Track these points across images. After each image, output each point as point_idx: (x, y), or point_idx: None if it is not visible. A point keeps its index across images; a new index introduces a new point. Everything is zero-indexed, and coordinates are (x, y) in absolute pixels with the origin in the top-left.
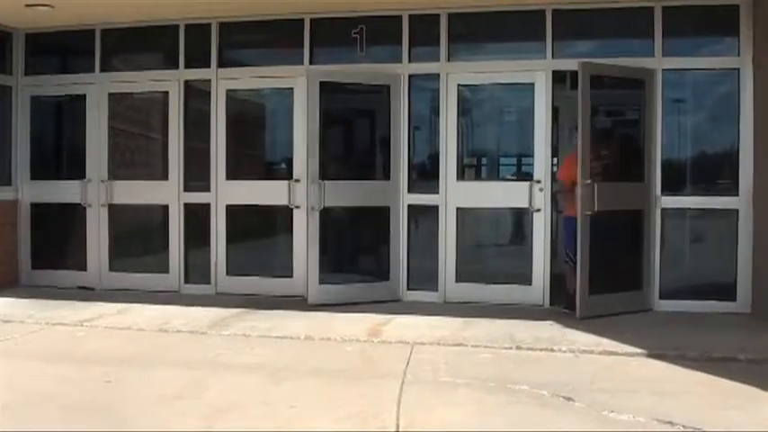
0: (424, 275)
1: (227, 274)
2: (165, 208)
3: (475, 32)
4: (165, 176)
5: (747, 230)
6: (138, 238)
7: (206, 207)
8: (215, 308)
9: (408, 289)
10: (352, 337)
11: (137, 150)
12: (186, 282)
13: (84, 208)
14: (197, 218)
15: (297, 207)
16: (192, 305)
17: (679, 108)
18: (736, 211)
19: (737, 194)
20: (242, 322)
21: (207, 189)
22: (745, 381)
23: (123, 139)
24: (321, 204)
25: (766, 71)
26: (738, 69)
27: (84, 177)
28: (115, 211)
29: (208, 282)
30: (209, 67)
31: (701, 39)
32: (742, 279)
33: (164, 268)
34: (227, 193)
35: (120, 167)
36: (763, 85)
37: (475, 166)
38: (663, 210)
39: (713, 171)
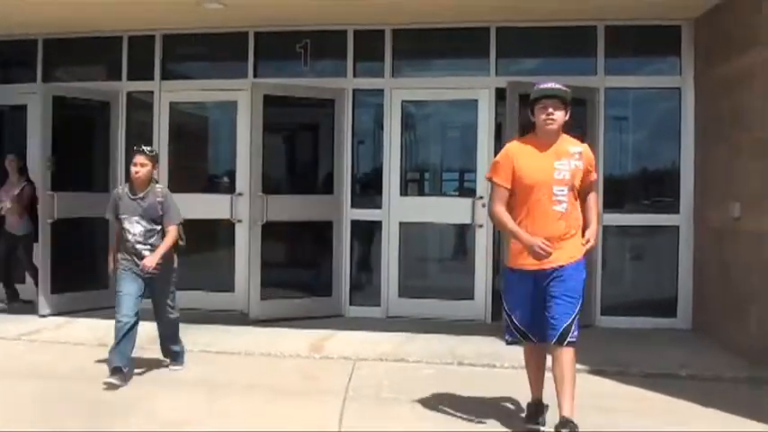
0: (366, 290)
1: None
2: (106, 221)
3: (420, 49)
4: (105, 189)
5: (688, 247)
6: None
7: None
8: (155, 322)
9: (351, 304)
10: (294, 352)
11: (80, 162)
12: None
13: None
14: None
15: (239, 221)
16: None
17: (621, 126)
18: (677, 227)
19: (678, 212)
20: (182, 337)
21: None
22: (685, 397)
23: (65, 149)
24: (263, 218)
25: (707, 91)
26: (680, 88)
27: None
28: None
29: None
30: (152, 79)
31: (643, 58)
32: (682, 295)
33: (104, 285)
34: None
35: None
36: (703, 104)
37: (418, 181)
38: (603, 227)
39: (654, 188)
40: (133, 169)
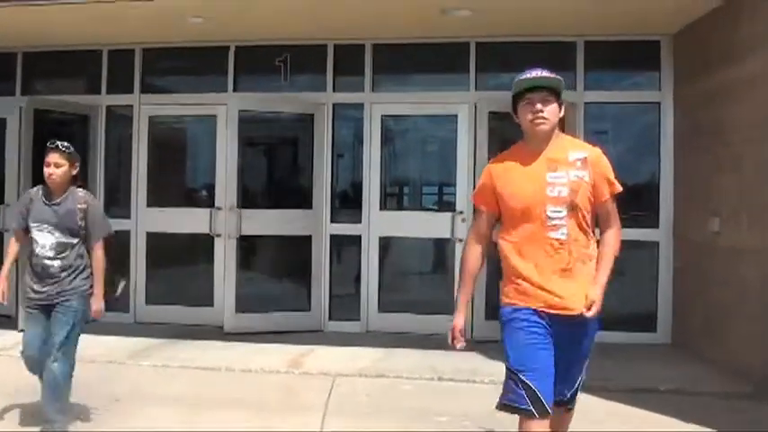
0: (346, 305)
1: (147, 302)
2: None
3: (400, 63)
4: None
5: (668, 262)
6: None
7: (126, 234)
8: (134, 337)
9: (330, 319)
10: (273, 368)
11: None
12: (107, 310)
13: None
14: (118, 244)
15: (218, 235)
16: (109, 334)
17: (601, 141)
18: (657, 243)
19: (658, 226)
20: (162, 352)
21: (127, 216)
22: (665, 412)
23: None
24: (239, 232)
25: (686, 105)
26: (659, 103)
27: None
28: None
29: (126, 311)
30: (131, 92)
31: (623, 73)
32: (662, 310)
33: None
34: (148, 219)
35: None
36: (683, 118)
37: (398, 195)
38: None
39: (634, 203)
40: (46, 170)
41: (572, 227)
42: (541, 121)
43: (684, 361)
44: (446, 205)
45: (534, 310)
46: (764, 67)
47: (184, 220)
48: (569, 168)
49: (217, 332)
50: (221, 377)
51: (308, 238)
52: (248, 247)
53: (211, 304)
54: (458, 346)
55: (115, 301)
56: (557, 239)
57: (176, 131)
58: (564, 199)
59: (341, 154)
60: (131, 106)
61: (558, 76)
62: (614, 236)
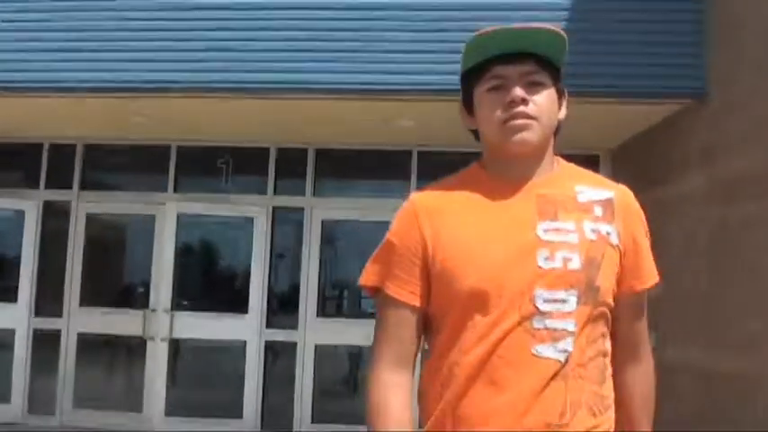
0: (278, 414)
1: (74, 406)
2: (12, 332)
3: (342, 169)
4: (13, 299)
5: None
6: None
7: (56, 334)
8: None
9: (262, 427)
10: None
11: None
12: (28, 412)
13: None
14: (47, 346)
15: (150, 338)
16: None
17: None
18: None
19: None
20: None
21: (59, 315)
22: None
23: None
24: (170, 335)
25: None
26: None
27: None
28: None
29: (52, 413)
30: (70, 188)
31: None
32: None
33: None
34: (80, 319)
35: None
36: None
37: (337, 301)
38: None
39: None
40: None
41: (585, 337)
42: (524, 121)
43: None
44: None
45: None
46: (699, 186)
47: (117, 321)
48: (582, 216)
49: None
50: None
51: (241, 344)
52: (181, 350)
53: (140, 409)
54: None
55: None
56: (551, 361)
57: (114, 230)
58: (574, 276)
59: (280, 256)
60: (69, 202)
61: (560, 31)
62: (648, 375)
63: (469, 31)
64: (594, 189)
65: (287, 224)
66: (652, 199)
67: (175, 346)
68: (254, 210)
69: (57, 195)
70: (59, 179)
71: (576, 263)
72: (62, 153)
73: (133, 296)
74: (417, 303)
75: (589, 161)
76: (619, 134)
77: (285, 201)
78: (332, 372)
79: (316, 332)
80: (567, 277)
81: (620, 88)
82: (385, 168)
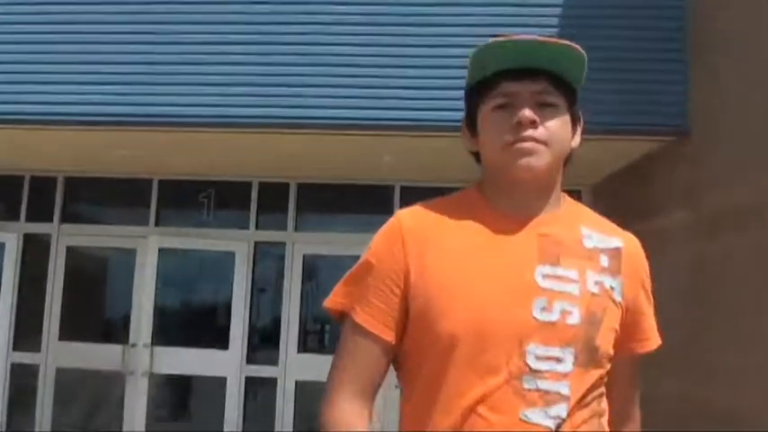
0: None
1: None
2: None
3: (324, 204)
4: None
5: None
6: None
7: (34, 368)
8: None
9: None
10: None
11: None
12: None
13: None
14: (25, 381)
15: (130, 373)
16: None
17: None
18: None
19: None
20: None
21: (37, 349)
22: None
23: None
24: (150, 370)
25: None
26: None
27: None
28: None
29: None
30: (51, 221)
31: None
32: None
33: None
34: (59, 354)
35: None
36: None
37: (318, 336)
38: None
39: None
40: None
41: (580, 402)
42: (531, 145)
43: None
44: None
45: None
46: (680, 221)
47: (97, 355)
48: (586, 265)
49: None
50: None
51: (222, 380)
52: (160, 385)
53: None
54: None
55: None
56: (541, 428)
57: (94, 263)
58: (572, 332)
59: (261, 291)
60: (50, 235)
61: (579, 47)
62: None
63: (453, 68)
64: (602, 235)
65: (268, 259)
66: (634, 234)
67: (156, 381)
68: (235, 244)
69: (37, 228)
70: (40, 212)
71: (575, 317)
72: (43, 185)
73: (113, 330)
74: (390, 339)
75: (571, 197)
76: (600, 169)
77: (267, 235)
78: (313, 408)
79: (296, 368)
80: (564, 333)
81: (602, 126)
82: (367, 203)
